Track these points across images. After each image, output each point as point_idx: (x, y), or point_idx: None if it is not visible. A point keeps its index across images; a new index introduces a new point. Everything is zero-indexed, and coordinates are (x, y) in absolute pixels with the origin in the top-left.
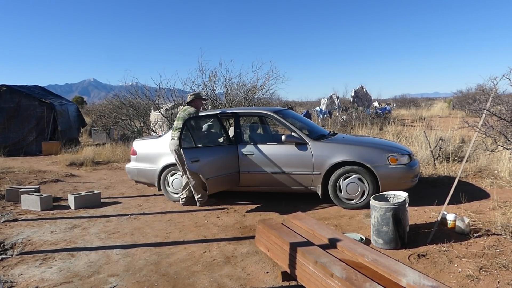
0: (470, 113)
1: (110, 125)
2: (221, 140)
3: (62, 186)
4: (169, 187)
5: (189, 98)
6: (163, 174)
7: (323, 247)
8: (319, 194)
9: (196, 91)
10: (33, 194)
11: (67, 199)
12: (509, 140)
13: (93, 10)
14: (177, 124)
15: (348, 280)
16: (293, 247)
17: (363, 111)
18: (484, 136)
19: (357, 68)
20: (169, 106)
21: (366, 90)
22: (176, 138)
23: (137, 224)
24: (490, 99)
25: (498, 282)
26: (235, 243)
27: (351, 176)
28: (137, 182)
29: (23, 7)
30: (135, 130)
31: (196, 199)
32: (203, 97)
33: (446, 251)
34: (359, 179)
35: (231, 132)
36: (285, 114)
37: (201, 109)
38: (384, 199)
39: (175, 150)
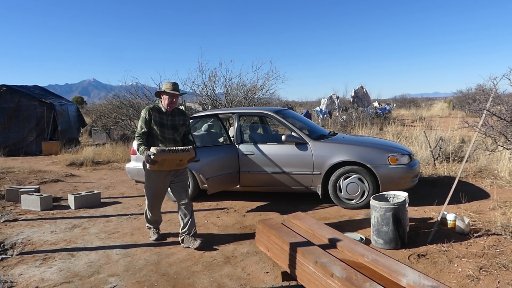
0: (470, 113)
1: (110, 125)
2: (221, 140)
3: (62, 186)
4: None
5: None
6: None
7: (323, 247)
8: (319, 194)
9: (171, 82)
10: (33, 194)
11: (67, 199)
12: (509, 140)
13: (93, 9)
14: (138, 126)
15: (348, 280)
16: (293, 247)
17: (363, 111)
18: (484, 136)
19: (357, 68)
20: None
21: (366, 90)
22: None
23: (137, 224)
24: (490, 99)
25: (498, 282)
26: (235, 243)
27: (351, 176)
28: (137, 182)
29: (24, 6)
30: (135, 130)
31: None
32: (171, 92)
33: (446, 251)
34: (359, 179)
35: (231, 132)
36: (285, 114)
37: (166, 106)
38: (384, 199)
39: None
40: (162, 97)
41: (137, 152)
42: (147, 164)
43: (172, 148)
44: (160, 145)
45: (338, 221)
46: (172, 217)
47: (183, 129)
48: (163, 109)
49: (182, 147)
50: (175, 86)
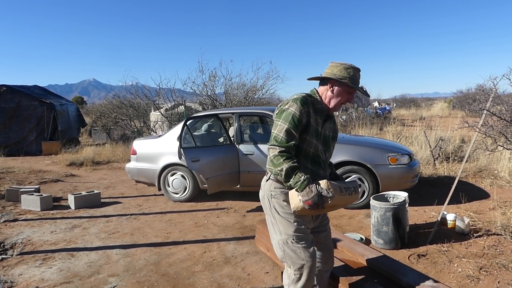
0: (470, 113)
1: (110, 125)
2: (221, 140)
3: (62, 186)
4: (169, 187)
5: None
6: (163, 174)
7: None
8: None
9: (351, 66)
10: (33, 194)
11: (67, 199)
12: (509, 140)
13: (93, 9)
14: (277, 133)
15: (348, 280)
16: None
17: (363, 111)
18: (484, 136)
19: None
20: (169, 106)
21: (366, 90)
22: (275, 173)
23: (137, 224)
24: (490, 99)
25: (498, 282)
26: (235, 243)
27: (351, 176)
28: (137, 182)
29: (24, 6)
30: (135, 130)
31: None
32: (352, 85)
33: (446, 251)
34: (359, 179)
35: (231, 132)
36: None
37: (332, 105)
38: (384, 199)
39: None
40: (330, 88)
41: (137, 152)
42: (295, 205)
43: (348, 185)
44: (309, 171)
45: (338, 221)
46: (172, 217)
47: (333, 146)
48: (322, 107)
49: (354, 185)
50: (358, 74)
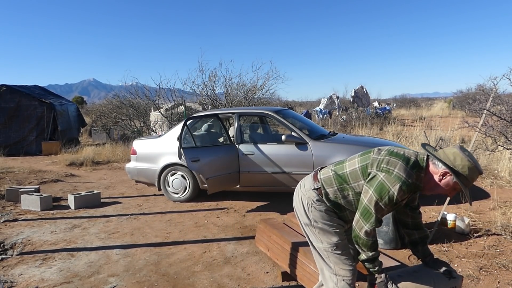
0: (470, 113)
1: (110, 125)
2: (221, 139)
3: (62, 186)
4: (169, 187)
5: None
6: (163, 174)
7: None
8: None
9: (475, 165)
10: (33, 194)
11: (67, 199)
12: (509, 140)
13: (93, 9)
14: (375, 213)
15: None
16: (295, 246)
17: (363, 111)
18: (484, 136)
19: (357, 68)
20: (169, 106)
21: (366, 90)
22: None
23: (137, 224)
24: (490, 99)
25: (498, 282)
26: (235, 243)
27: None
28: (137, 182)
29: (24, 6)
30: (135, 130)
31: None
32: (464, 184)
33: (446, 251)
34: None
35: (231, 132)
36: (285, 114)
37: (429, 190)
38: None
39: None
40: (440, 176)
41: (137, 152)
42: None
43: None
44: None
45: None
46: (172, 217)
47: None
48: (419, 185)
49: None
50: (477, 177)
